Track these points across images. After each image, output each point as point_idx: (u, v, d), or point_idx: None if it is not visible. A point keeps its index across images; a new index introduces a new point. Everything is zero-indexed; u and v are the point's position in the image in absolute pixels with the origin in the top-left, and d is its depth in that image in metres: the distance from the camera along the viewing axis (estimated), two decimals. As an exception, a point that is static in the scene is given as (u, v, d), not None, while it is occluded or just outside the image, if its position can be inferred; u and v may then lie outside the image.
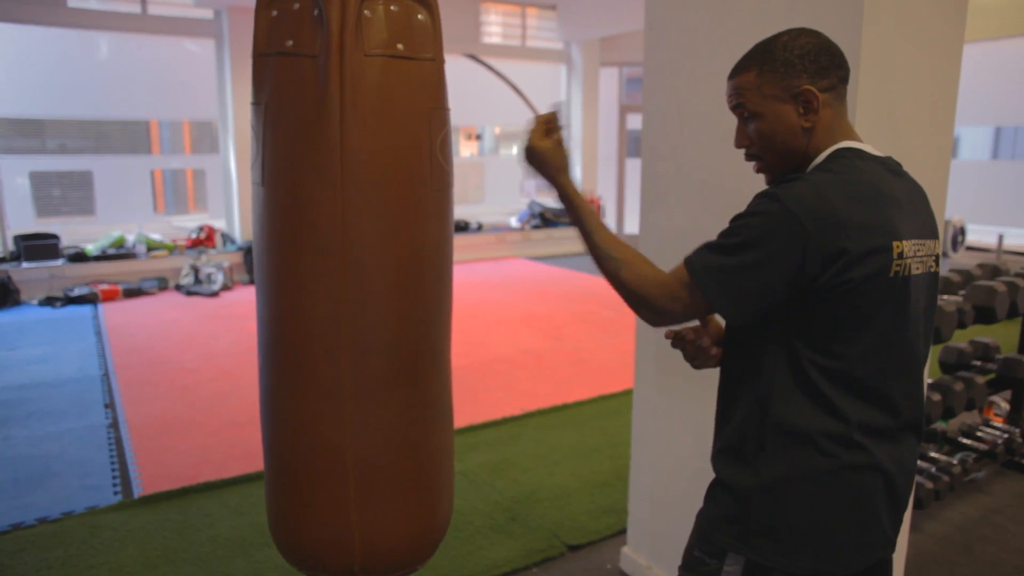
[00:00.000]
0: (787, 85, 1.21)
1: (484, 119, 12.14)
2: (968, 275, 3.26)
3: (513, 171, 12.45)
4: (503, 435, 3.81)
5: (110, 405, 4.29)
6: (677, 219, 2.29)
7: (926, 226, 1.25)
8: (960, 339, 3.50)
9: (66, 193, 9.04)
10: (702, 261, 1.18)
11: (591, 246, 1.28)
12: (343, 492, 1.25)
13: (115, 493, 3.20)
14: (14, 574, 2.59)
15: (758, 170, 1.32)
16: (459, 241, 9.81)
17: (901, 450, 1.24)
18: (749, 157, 1.32)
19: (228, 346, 5.59)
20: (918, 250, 1.20)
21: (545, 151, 1.34)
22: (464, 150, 12.87)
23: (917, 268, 1.20)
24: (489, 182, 11.92)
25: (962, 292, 3.15)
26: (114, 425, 3.98)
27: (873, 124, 1.79)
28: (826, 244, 1.10)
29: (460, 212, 10.66)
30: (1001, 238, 7.38)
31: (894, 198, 1.19)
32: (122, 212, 8.95)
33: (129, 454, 3.60)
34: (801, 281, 1.12)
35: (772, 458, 1.20)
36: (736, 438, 1.25)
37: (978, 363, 3.40)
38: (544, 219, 10.85)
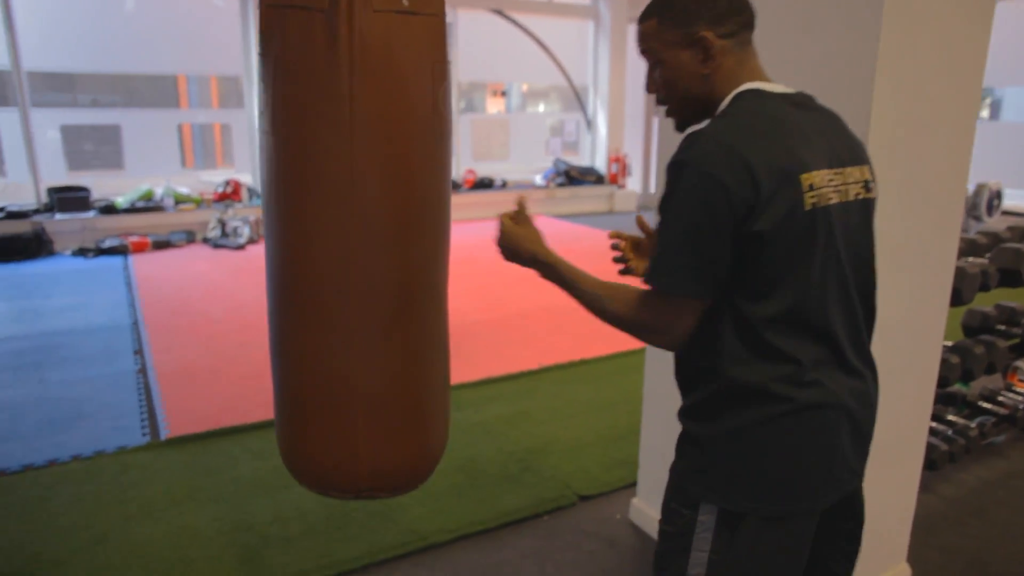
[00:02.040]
0: (685, 32, 1.21)
1: (512, 76, 11.98)
2: (996, 237, 3.19)
3: (539, 129, 12.33)
4: (520, 388, 3.86)
5: (139, 352, 4.41)
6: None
7: (844, 154, 1.24)
8: (986, 303, 3.45)
9: (96, 147, 9.16)
10: (653, 269, 1.18)
11: (580, 294, 1.28)
12: (351, 420, 1.32)
13: (143, 434, 3.32)
14: (51, 505, 2.72)
15: (667, 114, 1.33)
16: (483, 198, 9.80)
17: (857, 383, 1.26)
18: (659, 102, 1.32)
19: (253, 298, 5.69)
20: (832, 179, 1.19)
21: (517, 231, 1.38)
22: (491, 107, 12.75)
23: (833, 197, 1.19)
24: (515, 139, 11.82)
25: (988, 255, 3.09)
26: (142, 371, 4.10)
27: (895, 80, 1.75)
28: (742, 190, 1.10)
29: (485, 169, 10.62)
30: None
31: (800, 131, 1.18)
32: (150, 166, 9.04)
33: (157, 399, 3.72)
34: (735, 232, 1.12)
35: (733, 411, 1.22)
36: (698, 399, 1.27)
37: (1003, 327, 3.35)
38: (569, 177, 10.77)
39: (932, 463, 2.82)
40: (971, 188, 8.26)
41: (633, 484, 2.85)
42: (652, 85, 1.30)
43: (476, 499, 2.78)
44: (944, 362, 2.73)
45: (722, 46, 1.21)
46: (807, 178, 1.15)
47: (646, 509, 2.64)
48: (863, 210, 1.27)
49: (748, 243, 1.13)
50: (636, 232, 1.61)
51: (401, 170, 1.27)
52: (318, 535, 2.55)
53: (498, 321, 5.13)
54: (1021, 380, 3.65)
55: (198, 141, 11.44)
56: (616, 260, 1.59)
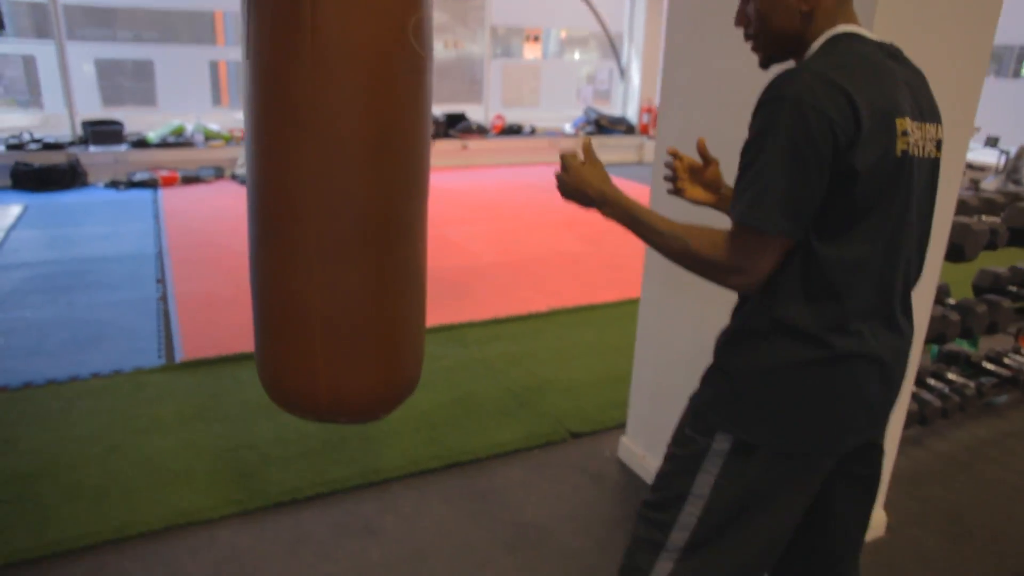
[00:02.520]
0: None
1: (549, 21, 11.74)
2: (1014, 196, 3.11)
3: (571, 77, 12.12)
4: (526, 329, 3.93)
5: (161, 280, 4.56)
6: (695, 119, 2.26)
7: (928, 110, 1.24)
8: (1000, 264, 3.39)
9: (130, 82, 9.27)
10: (744, 206, 1.14)
11: (654, 235, 1.25)
12: (310, 344, 1.37)
13: (159, 357, 3.47)
14: (70, 417, 2.88)
15: (753, 49, 1.31)
16: (510, 144, 9.75)
17: (896, 338, 1.27)
18: (747, 37, 1.30)
19: (276, 234, 5.80)
20: (920, 131, 1.19)
21: (585, 169, 1.36)
22: (528, 53, 12.54)
23: (918, 150, 1.19)
24: (546, 86, 11.65)
25: (1003, 214, 3.02)
26: (163, 298, 4.25)
27: (900, 24, 1.72)
28: (847, 124, 1.09)
29: (514, 116, 10.53)
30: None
31: (893, 77, 1.18)
32: (183, 103, 9.12)
33: (175, 324, 3.86)
34: (832, 167, 1.10)
35: (771, 347, 1.23)
36: (741, 330, 1.29)
37: (1014, 288, 3.30)
38: (599, 126, 10.63)
39: (924, 418, 2.83)
40: (1013, 151, 7.99)
41: (623, 425, 2.92)
42: (742, 18, 1.28)
43: (471, 431, 2.88)
44: (943, 319, 2.71)
45: None
46: (901, 123, 1.15)
47: (633, 447, 2.71)
48: (933, 169, 1.27)
49: (841, 180, 1.12)
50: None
51: (366, 100, 1.30)
52: (314, 456, 2.67)
53: (512, 264, 5.18)
54: (1032, 344, 3.61)
55: (233, 79, 11.48)
56: (667, 179, 1.56)
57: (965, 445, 3.00)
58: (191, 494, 2.42)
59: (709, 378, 1.35)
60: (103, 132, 7.81)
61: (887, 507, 2.45)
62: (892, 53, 1.24)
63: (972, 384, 3.05)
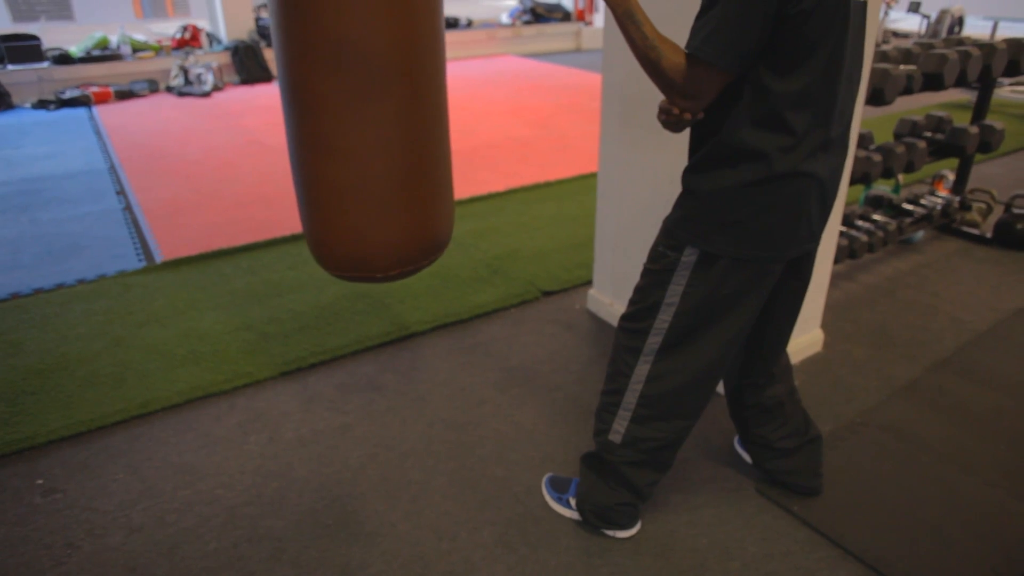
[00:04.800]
0: None
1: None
2: (928, 46, 3.38)
3: (504, -37, 11.81)
4: (489, 208, 4.14)
5: (121, 192, 4.58)
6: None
7: None
8: (919, 112, 3.71)
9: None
10: (700, 40, 1.35)
11: (639, 36, 1.40)
12: (346, 202, 1.56)
13: (139, 261, 3.58)
14: (68, 318, 3.01)
15: None
16: (449, 38, 9.61)
17: (832, 159, 1.52)
18: None
19: (226, 140, 5.78)
20: None
21: None
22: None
23: None
24: (479, -24, 11.36)
25: (918, 61, 3.29)
26: (128, 209, 4.29)
27: None
28: None
29: (450, 8, 10.31)
30: (995, 26, 7.27)
31: None
32: (101, 14, 8.67)
33: (146, 231, 3.94)
34: (778, 12, 1.31)
35: (731, 170, 1.47)
36: (703, 157, 1.52)
37: (929, 134, 3.63)
38: (535, 15, 10.51)
39: (853, 252, 3.18)
40: (933, 16, 8.28)
41: (589, 282, 3.20)
42: None
43: (451, 298, 3.13)
44: (867, 159, 3.02)
45: None
46: None
47: (600, 297, 3.00)
48: (864, 11, 1.48)
49: (788, 23, 1.32)
50: None
51: None
52: (311, 330, 2.90)
53: (467, 151, 5.32)
54: (946, 188, 3.99)
55: (145, -13, 10.83)
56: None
57: (887, 276, 3.40)
58: (202, 372, 2.63)
59: (679, 202, 1.60)
60: (19, 48, 7.43)
61: (824, 328, 2.82)
62: None
63: (894, 222, 3.41)
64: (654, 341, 1.68)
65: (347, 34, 1.44)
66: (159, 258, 3.58)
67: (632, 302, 1.71)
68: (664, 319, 1.64)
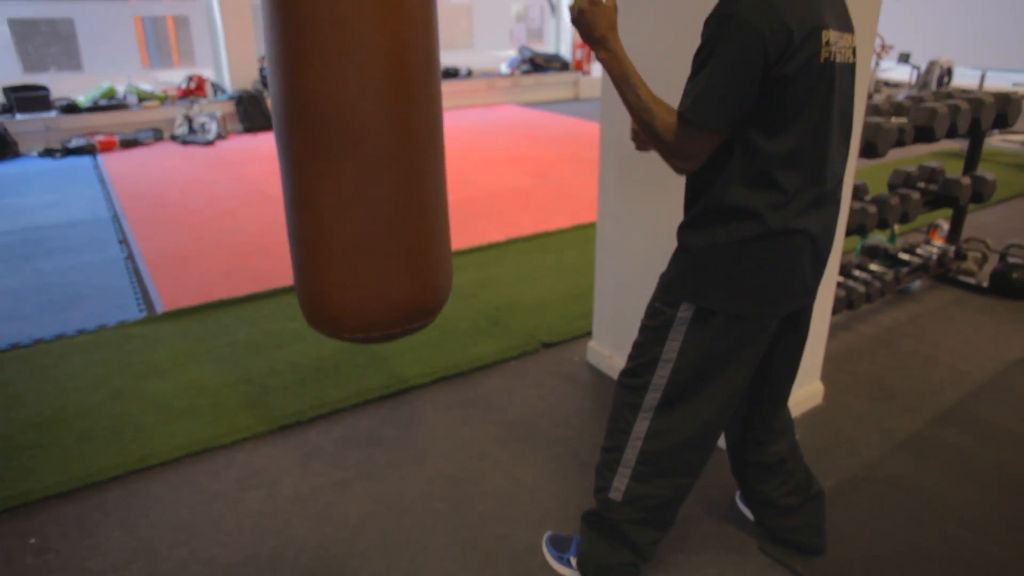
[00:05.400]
0: None
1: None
2: (919, 99, 3.46)
3: (502, 16, 12.09)
4: (488, 258, 4.17)
5: (124, 241, 4.62)
6: (632, 45, 2.48)
7: (844, 21, 1.49)
8: (911, 164, 3.77)
9: (50, 45, 8.91)
10: (689, 103, 1.40)
11: (634, 98, 1.46)
12: (343, 264, 1.57)
13: (140, 311, 3.59)
14: (66, 370, 3.01)
15: None
16: (449, 87, 9.79)
17: (824, 216, 1.55)
18: None
19: (229, 189, 5.84)
20: (839, 40, 1.44)
21: (593, 10, 1.48)
22: (454, -6, 12.41)
23: (840, 56, 1.45)
24: (478, 27, 11.62)
25: (909, 114, 3.36)
26: (130, 258, 4.32)
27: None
28: (778, 40, 1.33)
29: (449, 58, 10.53)
30: (983, 76, 7.43)
31: None
32: (109, 65, 8.85)
33: (148, 280, 3.96)
34: (765, 76, 1.36)
35: (724, 227, 1.49)
36: (696, 214, 1.55)
37: (923, 185, 3.68)
38: (534, 64, 10.73)
39: (851, 303, 3.20)
40: (923, 66, 8.46)
41: (589, 333, 3.21)
42: None
43: (451, 349, 3.13)
44: (862, 211, 3.06)
45: None
46: (826, 34, 1.39)
47: (600, 349, 3.01)
48: (851, 73, 1.52)
49: (775, 85, 1.36)
50: None
51: (383, 20, 1.46)
52: (311, 383, 2.89)
53: (467, 201, 5.38)
54: (941, 237, 4.03)
55: (151, 38, 11.08)
56: (634, 139, 1.72)
57: (886, 326, 3.41)
58: (201, 426, 2.62)
59: (674, 259, 1.62)
60: (29, 98, 7.57)
61: (823, 380, 2.82)
62: None
63: (891, 272, 3.44)
64: (653, 397, 1.68)
65: (308, 92, 1.46)
66: (160, 308, 3.60)
67: (631, 358, 1.72)
68: (662, 375, 1.65)
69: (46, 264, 4.25)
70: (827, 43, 1.40)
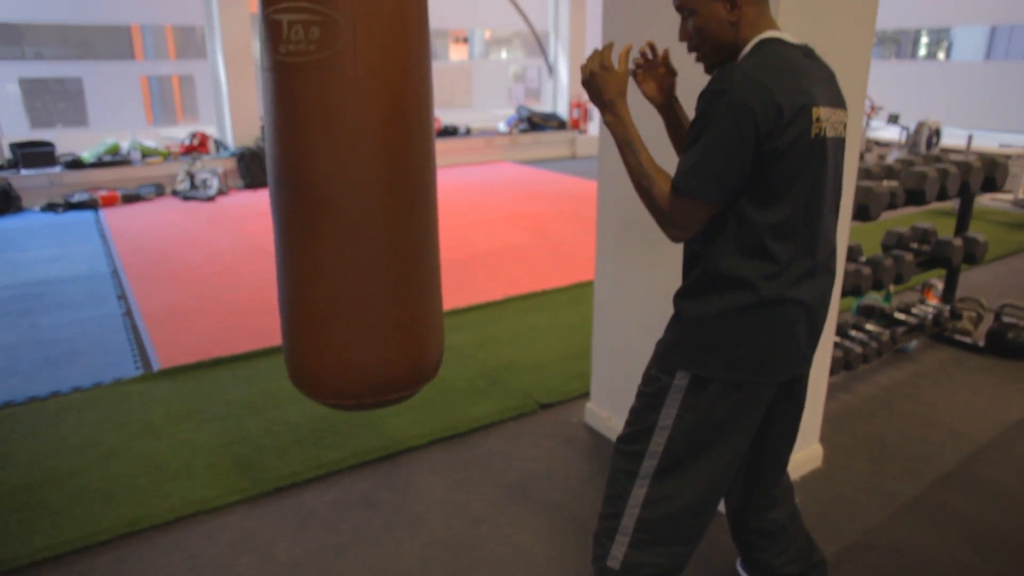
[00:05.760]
0: None
1: (474, 21, 11.99)
2: (909, 163, 3.54)
3: (502, 76, 12.40)
4: (486, 316, 4.18)
5: (122, 297, 4.63)
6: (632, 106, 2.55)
7: (835, 98, 1.54)
8: (903, 224, 3.82)
9: (57, 102, 9.10)
10: (683, 174, 1.44)
11: (635, 164, 1.51)
12: (336, 329, 1.59)
13: (136, 368, 3.58)
14: (60, 429, 2.98)
15: (697, 59, 1.60)
16: (447, 145, 9.97)
17: (818, 285, 1.57)
18: (690, 49, 1.59)
19: (229, 245, 5.89)
20: (830, 116, 1.49)
21: (604, 75, 1.55)
22: (454, 54, 12.75)
23: (831, 131, 1.49)
24: (477, 87, 11.91)
25: (900, 178, 3.43)
26: (128, 314, 4.33)
27: (795, 14, 2.04)
28: (769, 117, 1.38)
29: (448, 117, 10.74)
30: (971, 138, 7.59)
31: (810, 74, 1.48)
32: (114, 121, 9.02)
33: (145, 337, 3.96)
34: (756, 150, 1.40)
35: (718, 296, 1.52)
36: (691, 283, 1.57)
37: (916, 245, 3.73)
38: (532, 123, 10.94)
39: (848, 364, 3.20)
40: (912, 127, 8.65)
41: (587, 394, 3.20)
42: (685, 34, 1.55)
43: (448, 410, 3.12)
44: (857, 272, 3.09)
45: None
46: (816, 111, 1.44)
47: (598, 411, 2.99)
48: (841, 147, 1.57)
49: (766, 160, 1.41)
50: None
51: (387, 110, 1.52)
52: (307, 444, 2.87)
53: (465, 259, 5.42)
54: (935, 296, 4.06)
55: (156, 96, 11.32)
56: (635, 64, 1.75)
57: (884, 387, 3.41)
58: (194, 487, 2.59)
59: (670, 326, 1.64)
60: (34, 154, 7.68)
61: (822, 442, 2.81)
62: (808, 53, 1.55)
63: (887, 332, 3.45)
64: (649, 464, 1.67)
65: (293, 156, 1.51)
66: (157, 365, 3.59)
67: (627, 423, 1.71)
68: (658, 442, 1.64)
69: (44, 319, 4.25)
70: (818, 119, 1.44)
